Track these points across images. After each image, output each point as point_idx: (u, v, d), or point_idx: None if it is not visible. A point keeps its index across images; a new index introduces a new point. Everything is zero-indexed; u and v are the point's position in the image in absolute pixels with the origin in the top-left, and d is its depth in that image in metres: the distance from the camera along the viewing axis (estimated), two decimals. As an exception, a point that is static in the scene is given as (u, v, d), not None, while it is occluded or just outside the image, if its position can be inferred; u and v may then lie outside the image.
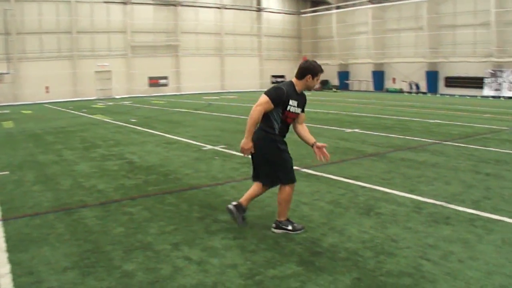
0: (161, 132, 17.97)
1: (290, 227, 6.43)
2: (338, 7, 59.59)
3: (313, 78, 6.26)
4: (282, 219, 6.47)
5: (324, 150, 6.54)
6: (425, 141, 14.70)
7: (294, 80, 6.34)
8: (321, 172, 10.26)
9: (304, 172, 10.26)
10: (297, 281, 4.94)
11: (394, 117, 22.70)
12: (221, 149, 13.61)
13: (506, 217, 6.99)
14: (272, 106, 6.07)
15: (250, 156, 6.57)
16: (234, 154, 12.73)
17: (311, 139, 6.63)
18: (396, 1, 52.12)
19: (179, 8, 53.83)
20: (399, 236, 6.21)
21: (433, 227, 6.55)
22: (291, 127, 6.59)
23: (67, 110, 31.42)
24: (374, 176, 9.87)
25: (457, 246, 5.83)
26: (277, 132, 6.27)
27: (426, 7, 47.88)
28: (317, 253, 5.71)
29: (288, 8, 64.54)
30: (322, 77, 26.04)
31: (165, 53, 53.80)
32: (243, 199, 6.68)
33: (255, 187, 6.64)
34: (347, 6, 58.57)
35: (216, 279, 5.04)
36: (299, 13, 64.84)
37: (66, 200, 8.41)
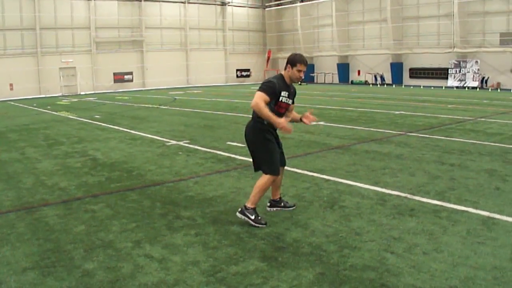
0: (125, 128, 17.71)
1: (252, 217, 6.40)
2: (302, 0, 59.56)
3: (292, 68, 6.39)
4: (250, 205, 6.47)
5: (309, 114, 6.78)
6: (389, 132, 14.74)
7: (283, 72, 6.58)
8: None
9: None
10: (260, 278, 4.84)
11: (359, 109, 22.77)
12: (185, 144, 13.45)
13: (471, 207, 6.98)
14: (268, 98, 6.19)
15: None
16: (198, 149, 12.61)
17: (298, 116, 6.91)
18: (360, -6, 52.26)
19: (143, 3, 53.25)
20: (363, 229, 6.14)
21: (398, 220, 6.50)
22: None
23: (31, 108, 30.80)
24: (338, 169, 9.81)
25: (422, 238, 5.78)
26: (265, 122, 6.36)
27: (389, -1, 48.08)
28: (280, 249, 5.61)
29: (252, 2, 64.45)
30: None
31: (130, 48, 53.25)
32: (272, 194, 7.10)
33: None
34: (311, -1, 58.64)
35: (178, 277, 4.93)
36: (264, 7, 64.78)
37: (28, 199, 8.23)
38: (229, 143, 13.32)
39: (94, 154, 12.44)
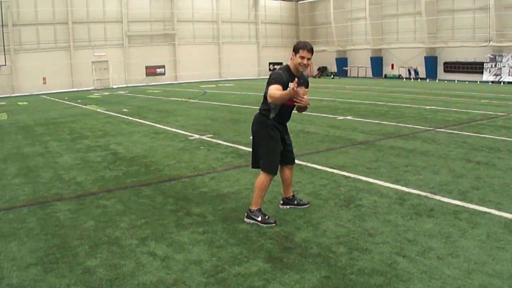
0: (151, 122, 17.67)
1: (259, 218, 6.21)
2: (335, -7, 58.99)
3: (295, 55, 6.13)
4: (254, 208, 6.30)
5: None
6: (417, 128, 14.35)
7: (289, 62, 6.31)
8: (306, 161, 9.95)
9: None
10: (261, 280, 4.66)
11: (390, 103, 22.33)
12: (207, 139, 13.32)
13: (493, 209, 6.63)
14: (280, 87, 5.90)
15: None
16: (220, 144, 12.49)
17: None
18: (394, -14, 51.55)
19: (176, -4, 53.37)
20: (377, 230, 5.89)
21: (414, 220, 6.22)
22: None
23: (62, 101, 31.17)
24: (359, 165, 9.53)
25: (438, 241, 5.50)
26: (271, 117, 6.24)
27: (424, -9, 47.20)
28: (288, 249, 5.41)
29: (285, -5, 64.02)
30: (320, 63, 25.58)
31: (162, 42, 53.44)
32: (284, 192, 6.96)
33: (283, 175, 6.73)
34: (345, -8, 58.00)
35: (177, 276, 4.80)
36: (297, 0, 64.25)
37: (43, 193, 8.24)
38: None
39: (116, 148, 12.41)
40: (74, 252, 5.51)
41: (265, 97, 6.18)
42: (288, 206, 6.89)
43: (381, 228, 5.98)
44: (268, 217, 6.26)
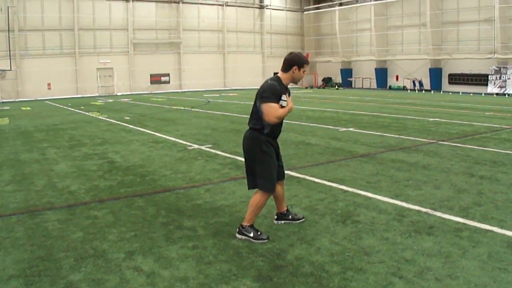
0: (151, 130, 17.52)
1: (251, 234, 5.99)
2: (340, 4, 59.08)
3: (299, 70, 6.01)
4: (246, 224, 6.08)
5: None
6: (420, 140, 14.12)
7: (280, 74, 6.08)
8: (304, 174, 9.73)
9: (286, 174, 9.69)
10: (248, 301, 4.42)
11: (393, 115, 22.10)
12: (206, 149, 13.12)
13: (496, 226, 6.38)
14: (278, 105, 5.83)
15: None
16: (218, 154, 12.28)
17: None
18: (399, -2, 51.51)
19: (181, 5, 53.44)
20: (374, 249, 5.64)
21: (413, 238, 5.98)
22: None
23: (66, 107, 31.18)
24: (359, 179, 9.30)
25: (437, 261, 5.26)
26: (265, 132, 6.02)
27: (429, 3, 47.02)
28: (279, 267, 5.18)
29: (290, 5, 64.09)
30: (325, 74, 25.62)
31: (167, 50, 53.51)
32: (277, 208, 6.74)
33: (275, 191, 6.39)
34: (350, 3, 58.09)
35: (161, 294, 4.58)
36: (302, 10, 64.36)
37: (35, 202, 8.11)
38: (251, 148, 12.89)
39: (113, 157, 12.25)
40: (58, 265, 5.34)
41: (256, 113, 5.98)
42: (282, 221, 6.66)
43: (378, 246, 5.73)
44: (261, 233, 6.03)
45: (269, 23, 61.62)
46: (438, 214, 6.99)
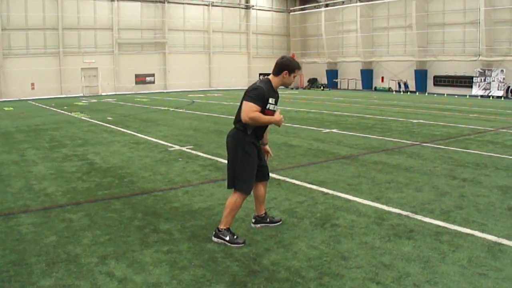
0: (133, 131, 17.31)
1: (227, 238, 5.86)
2: (327, 5, 59.02)
3: (289, 75, 5.99)
4: (222, 227, 5.96)
5: (269, 150, 6.58)
6: (403, 142, 14.05)
7: (271, 77, 6.05)
8: (284, 176, 9.61)
9: (267, 176, 9.63)
10: (221, 308, 4.28)
11: (378, 116, 22.03)
12: (187, 150, 12.97)
13: (477, 230, 6.29)
14: (259, 108, 5.78)
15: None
16: (199, 156, 12.15)
17: (265, 139, 6.48)
18: (385, -1, 51.63)
19: (167, 5, 53.10)
20: (352, 253, 5.52)
21: (393, 242, 5.86)
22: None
23: (49, 108, 30.85)
24: (340, 181, 9.19)
25: (416, 267, 5.14)
26: (249, 132, 5.97)
27: (415, 5, 47.10)
28: (254, 273, 5.04)
29: (276, 6, 63.97)
30: (311, 75, 25.61)
31: (152, 50, 53.20)
32: (256, 210, 6.65)
33: (256, 192, 6.44)
34: (336, 4, 58.08)
35: (131, 302, 4.43)
36: (288, 11, 64.25)
37: (10, 204, 7.91)
38: (233, 149, 12.73)
39: (93, 158, 12.06)
40: (30, 269, 5.19)
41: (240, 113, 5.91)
42: (260, 225, 6.53)
43: (356, 250, 5.61)
44: (237, 237, 5.90)
45: (255, 24, 61.46)
46: (419, 217, 6.89)
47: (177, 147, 13.43)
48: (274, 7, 63.71)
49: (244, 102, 5.74)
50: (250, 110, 5.67)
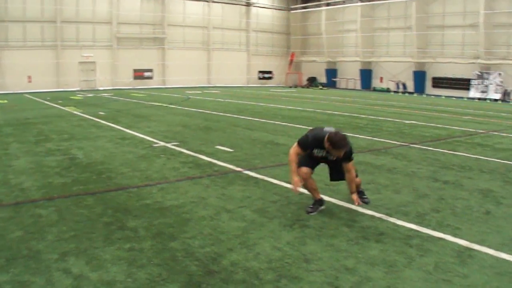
0: (122, 126, 17.14)
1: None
2: (328, 4, 58.90)
3: (332, 149, 6.67)
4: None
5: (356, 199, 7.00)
6: (391, 143, 13.92)
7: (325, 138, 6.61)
8: (264, 175, 9.48)
9: (245, 174, 9.51)
10: (169, 309, 4.15)
11: (371, 116, 21.89)
12: (172, 147, 12.81)
13: (449, 234, 6.16)
14: (301, 151, 6.91)
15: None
16: (182, 152, 11.99)
17: (351, 187, 7.13)
18: (385, 0, 51.37)
19: (167, 0, 52.80)
20: (315, 256, 5.39)
21: (360, 245, 5.73)
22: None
23: (43, 101, 30.58)
24: (318, 181, 8.86)
25: (379, 271, 5.01)
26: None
27: (415, 6, 47.02)
28: (211, 273, 4.92)
29: (277, 4, 63.76)
30: (310, 73, 25.62)
31: (151, 45, 52.91)
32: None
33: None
34: (336, 3, 57.91)
35: (82, 299, 4.31)
36: (289, 9, 64.04)
37: (-17, 199, 7.75)
38: (218, 147, 12.60)
39: (75, 153, 11.89)
40: (-12, 265, 5.07)
41: None
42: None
43: (321, 253, 5.48)
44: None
45: (255, 21, 61.25)
46: (392, 220, 6.76)
47: (162, 143, 13.28)
48: (275, 5, 63.50)
49: (297, 141, 7.02)
50: (292, 149, 7.09)
